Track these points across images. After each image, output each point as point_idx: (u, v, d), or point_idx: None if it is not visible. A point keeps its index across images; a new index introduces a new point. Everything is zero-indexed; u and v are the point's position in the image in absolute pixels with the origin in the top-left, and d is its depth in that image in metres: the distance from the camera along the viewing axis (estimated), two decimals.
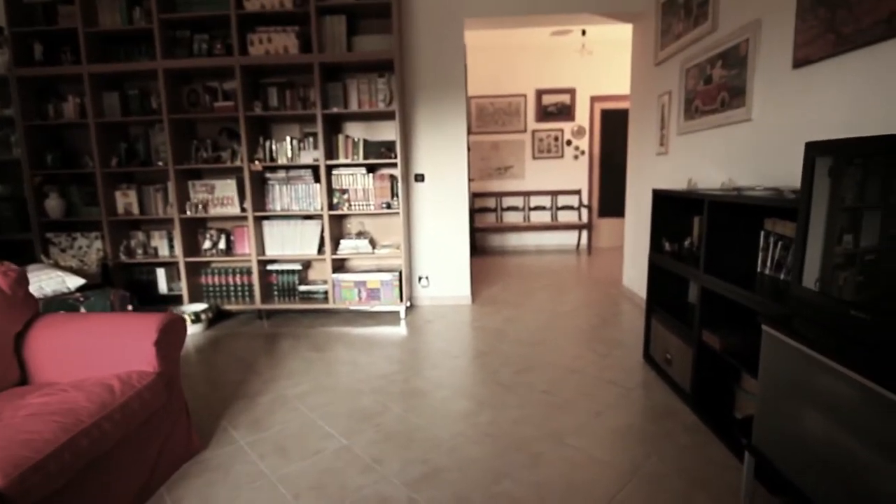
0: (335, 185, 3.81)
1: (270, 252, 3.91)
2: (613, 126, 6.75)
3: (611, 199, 6.89)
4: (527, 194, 6.82)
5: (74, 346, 1.85)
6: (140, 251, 4.01)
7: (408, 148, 4.01)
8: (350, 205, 3.79)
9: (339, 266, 3.99)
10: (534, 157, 6.80)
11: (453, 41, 3.87)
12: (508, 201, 6.88)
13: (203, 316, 3.61)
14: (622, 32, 5.89)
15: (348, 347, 3.22)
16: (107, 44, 3.83)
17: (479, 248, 6.94)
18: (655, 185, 3.66)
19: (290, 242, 3.89)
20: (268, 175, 3.91)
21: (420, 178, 4.03)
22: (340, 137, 3.78)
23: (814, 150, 1.39)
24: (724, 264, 2.11)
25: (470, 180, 5.54)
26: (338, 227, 3.97)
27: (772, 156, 2.25)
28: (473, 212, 6.80)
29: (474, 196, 6.85)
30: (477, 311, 3.96)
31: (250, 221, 3.74)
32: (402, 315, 3.82)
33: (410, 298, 4.15)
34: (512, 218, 6.90)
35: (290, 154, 3.79)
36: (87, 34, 3.60)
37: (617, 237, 6.91)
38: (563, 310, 3.92)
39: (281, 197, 3.94)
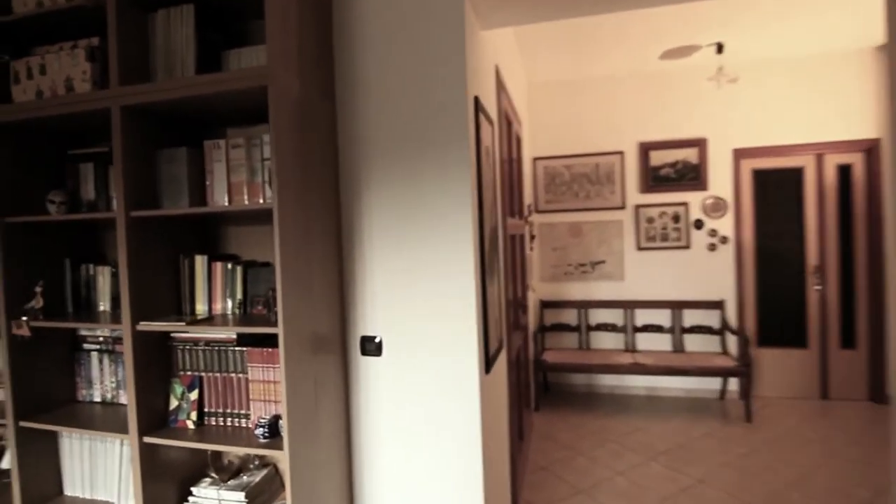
0: (185, 366, 1.75)
1: (71, 492, 1.90)
2: (778, 194, 4.09)
3: (778, 317, 4.10)
4: (629, 305, 4.28)
5: None
6: None
7: (346, 285, 1.85)
8: (200, 417, 1.68)
9: None
10: (639, 248, 4.31)
11: (442, 49, 1.74)
12: (599, 315, 4.38)
13: None
14: (793, 45, 3.41)
15: None
16: None
17: (550, 387, 4.45)
18: None
19: (104, 478, 1.85)
20: (83, 333, 1.98)
21: (372, 347, 1.82)
22: (200, 262, 1.75)
23: None
24: None
25: (525, 295, 3.24)
26: (192, 454, 1.86)
27: None
28: (543, 330, 4.40)
29: (542, 307, 4.46)
30: None
31: (11, 433, 1.77)
32: None
33: None
34: (605, 341, 4.37)
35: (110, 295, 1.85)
36: None
37: (792, 382, 4.03)
38: None
39: (102, 378, 1.97)
